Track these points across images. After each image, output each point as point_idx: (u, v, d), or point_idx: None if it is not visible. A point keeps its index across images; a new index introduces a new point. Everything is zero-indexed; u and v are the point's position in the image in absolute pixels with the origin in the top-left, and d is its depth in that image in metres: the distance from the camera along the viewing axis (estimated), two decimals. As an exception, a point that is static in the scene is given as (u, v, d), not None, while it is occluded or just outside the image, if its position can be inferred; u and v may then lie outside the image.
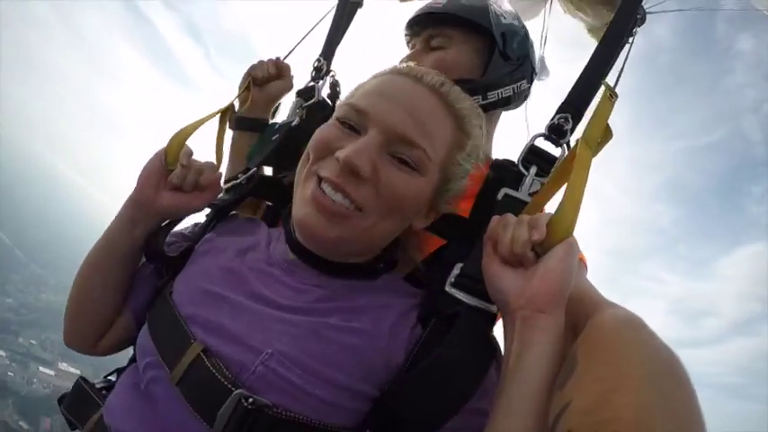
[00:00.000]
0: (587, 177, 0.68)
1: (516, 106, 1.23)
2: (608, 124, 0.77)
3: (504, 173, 0.85)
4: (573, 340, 0.62)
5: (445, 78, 0.76)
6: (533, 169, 0.84)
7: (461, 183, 0.77)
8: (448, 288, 0.73)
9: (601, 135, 0.75)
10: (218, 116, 1.07)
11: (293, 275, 0.73)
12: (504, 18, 1.13)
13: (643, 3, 1.16)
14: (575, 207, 0.66)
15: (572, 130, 0.90)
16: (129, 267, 0.86)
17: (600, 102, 0.78)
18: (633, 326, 0.59)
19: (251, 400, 0.60)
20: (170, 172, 0.84)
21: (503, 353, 0.66)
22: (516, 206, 0.79)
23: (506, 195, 0.81)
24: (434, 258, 0.83)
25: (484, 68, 1.10)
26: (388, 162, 0.68)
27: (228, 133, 1.16)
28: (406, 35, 1.21)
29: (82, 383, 0.85)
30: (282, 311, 0.69)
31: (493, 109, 1.11)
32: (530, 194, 0.82)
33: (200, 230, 0.91)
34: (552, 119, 0.89)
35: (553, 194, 0.76)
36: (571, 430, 0.47)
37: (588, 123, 0.76)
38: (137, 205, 0.83)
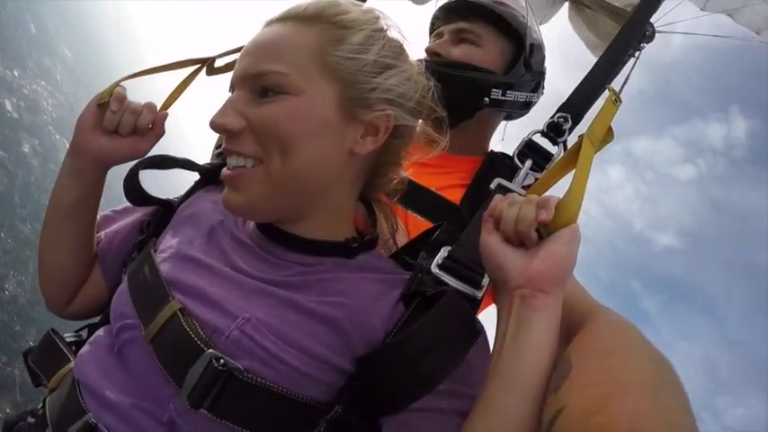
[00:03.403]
0: (590, 171, 0.69)
1: (519, 116, 1.24)
2: (611, 126, 0.78)
3: (499, 164, 0.86)
4: (565, 343, 0.62)
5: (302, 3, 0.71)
6: (528, 163, 0.85)
7: (388, 81, 0.69)
8: (434, 269, 0.72)
9: (603, 134, 0.76)
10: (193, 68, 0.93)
11: (269, 251, 0.73)
12: (534, 32, 1.15)
13: (654, 21, 1.19)
14: (580, 195, 0.65)
15: (570, 131, 0.92)
16: (77, 222, 0.84)
17: (605, 103, 0.80)
18: (627, 332, 0.59)
19: (222, 361, 0.58)
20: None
21: (496, 332, 0.65)
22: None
23: (499, 185, 0.82)
24: (421, 240, 0.83)
25: (506, 71, 1.10)
26: (258, 105, 0.66)
27: (199, 88, 1.05)
28: (436, 20, 1.18)
29: (52, 336, 0.82)
30: (262, 283, 0.68)
31: (505, 108, 1.12)
32: (523, 187, 0.83)
33: (186, 193, 0.89)
34: (552, 117, 0.91)
35: (554, 183, 0.76)
36: None
37: (593, 122, 0.76)
38: (75, 153, 0.81)
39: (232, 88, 0.70)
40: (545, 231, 0.63)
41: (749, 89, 36.05)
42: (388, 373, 0.61)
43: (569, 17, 1.49)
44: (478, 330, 0.67)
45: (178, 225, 0.79)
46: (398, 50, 0.72)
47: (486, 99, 1.05)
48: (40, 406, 0.74)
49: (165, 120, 0.83)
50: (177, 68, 0.88)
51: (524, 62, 1.10)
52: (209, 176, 0.88)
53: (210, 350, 0.59)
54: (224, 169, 0.69)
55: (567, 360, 0.56)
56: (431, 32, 1.20)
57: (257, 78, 0.65)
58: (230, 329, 0.62)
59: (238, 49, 1.07)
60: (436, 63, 1.02)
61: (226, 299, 0.65)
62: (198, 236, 0.74)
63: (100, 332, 0.74)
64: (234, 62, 1.01)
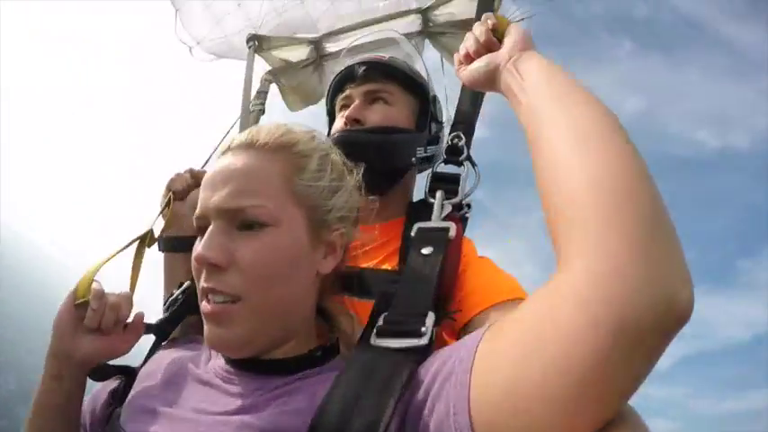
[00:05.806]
0: None
1: (427, 169, 1.13)
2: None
3: (418, 212, 0.83)
4: None
5: (259, 127, 0.75)
6: (440, 194, 0.81)
7: (339, 200, 0.72)
8: (373, 341, 0.66)
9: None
10: (136, 244, 0.99)
11: (233, 384, 0.70)
12: (431, 83, 1.13)
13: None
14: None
15: (468, 145, 0.90)
16: (62, 422, 0.80)
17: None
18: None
19: None
20: (83, 314, 0.77)
21: (512, 105, 0.69)
22: (432, 235, 0.75)
23: (419, 229, 0.77)
24: (369, 322, 0.75)
25: (418, 126, 1.07)
26: (240, 238, 0.66)
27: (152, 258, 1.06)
28: (347, 86, 1.08)
29: None
30: (219, 416, 0.66)
31: (430, 164, 1.06)
32: (444, 218, 0.78)
33: (146, 356, 0.87)
34: (447, 141, 0.90)
35: None
36: None
37: None
38: (56, 358, 0.77)
39: (204, 221, 0.68)
40: (499, 35, 0.78)
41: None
42: None
43: (435, 48, 1.55)
44: (411, 372, 0.58)
45: (138, 383, 0.77)
46: (341, 170, 0.75)
47: (414, 159, 1.02)
48: None
49: (142, 320, 0.82)
50: (124, 249, 0.90)
51: (432, 116, 1.09)
52: (163, 335, 0.88)
53: None
54: (203, 304, 0.66)
55: None
56: (332, 99, 1.14)
57: (237, 213, 0.65)
58: None
59: (168, 206, 1.07)
60: (360, 131, 0.98)
61: None
62: (156, 388, 0.73)
63: None
64: (169, 220, 1.05)
